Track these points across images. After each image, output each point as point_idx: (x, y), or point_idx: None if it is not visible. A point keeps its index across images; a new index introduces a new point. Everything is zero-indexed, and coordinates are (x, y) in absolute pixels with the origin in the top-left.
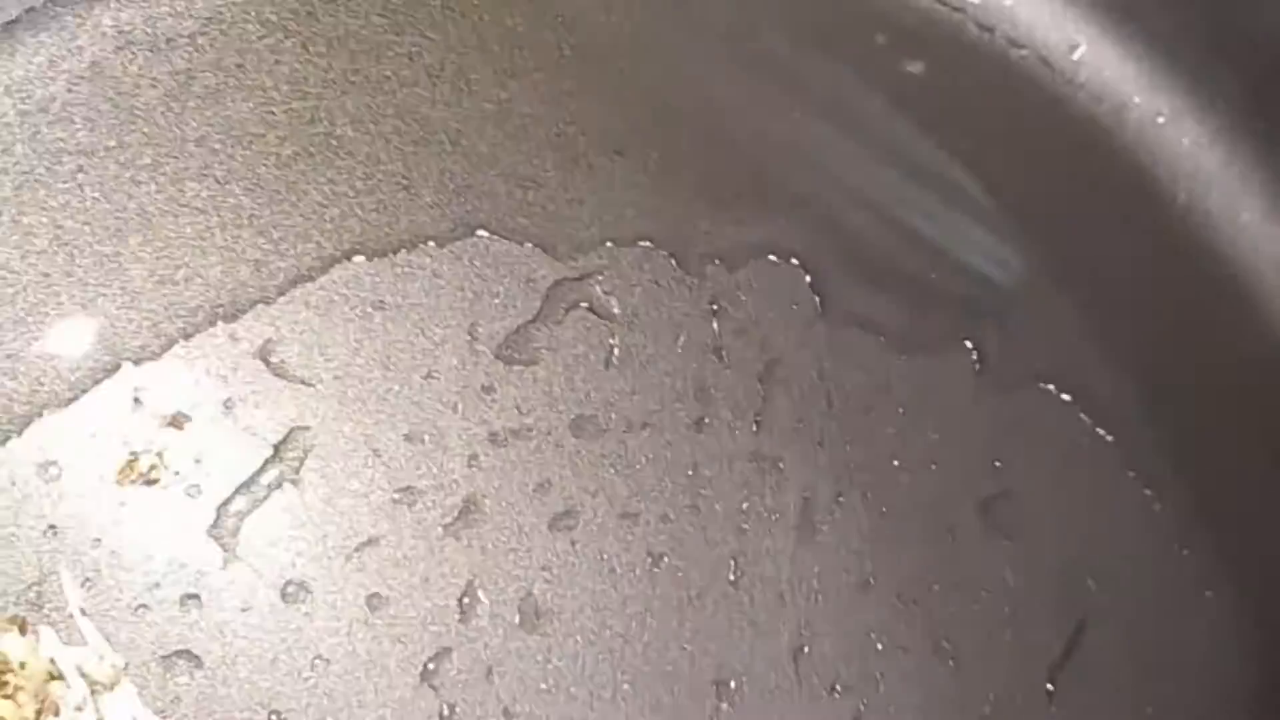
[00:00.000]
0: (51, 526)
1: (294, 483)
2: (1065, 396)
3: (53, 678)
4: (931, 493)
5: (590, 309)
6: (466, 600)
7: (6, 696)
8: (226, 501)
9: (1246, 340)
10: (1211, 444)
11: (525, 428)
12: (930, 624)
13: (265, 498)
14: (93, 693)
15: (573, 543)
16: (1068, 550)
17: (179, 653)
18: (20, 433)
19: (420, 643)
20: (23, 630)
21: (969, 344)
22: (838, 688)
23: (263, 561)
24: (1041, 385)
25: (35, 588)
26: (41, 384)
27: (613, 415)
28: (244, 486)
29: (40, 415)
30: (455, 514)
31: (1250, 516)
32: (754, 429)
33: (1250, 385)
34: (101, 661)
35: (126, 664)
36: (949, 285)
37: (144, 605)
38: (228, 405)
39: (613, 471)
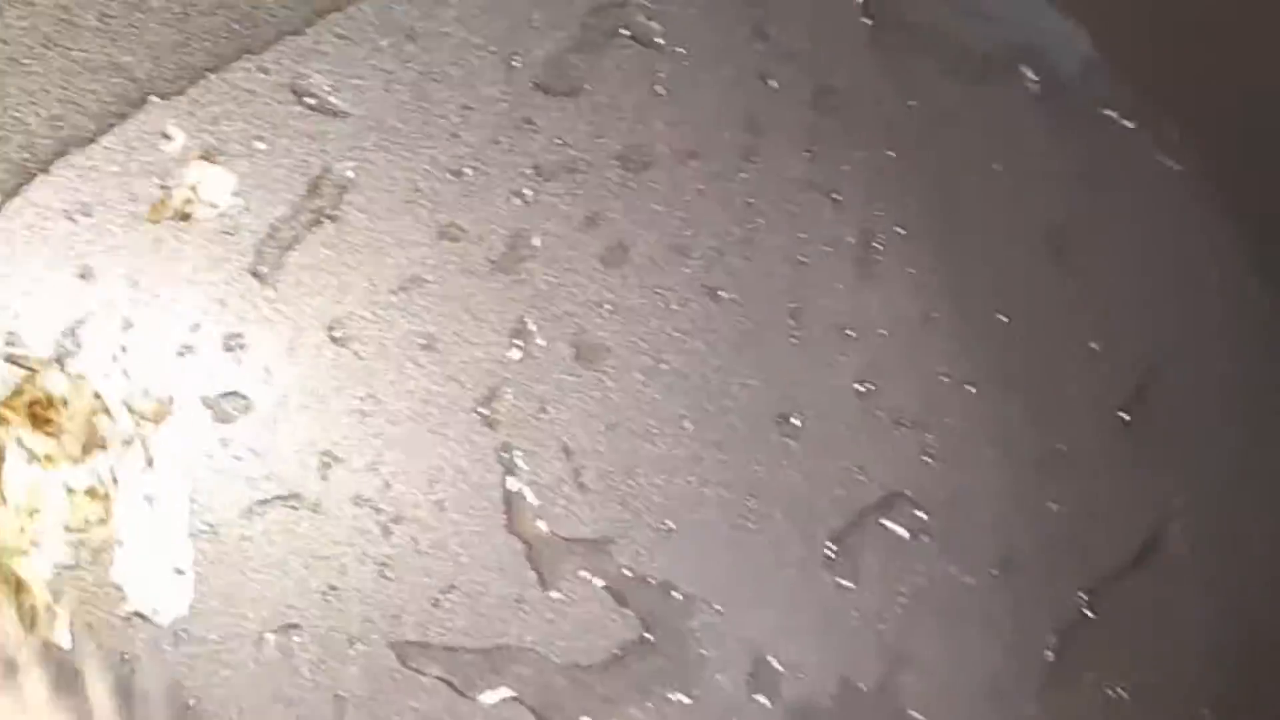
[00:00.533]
0: (85, 269)
1: (333, 219)
2: (1129, 124)
3: (98, 413)
4: (995, 224)
5: (632, 36)
6: (519, 337)
7: (51, 435)
8: (265, 238)
9: None
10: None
11: (570, 160)
12: (996, 358)
13: (304, 235)
14: (138, 426)
15: (624, 277)
16: (1139, 282)
17: (226, 394)
18: (46, 171)
19: (474, 380)
20: (63, 367)
21: (1029, 71)
22: (904, 422)
23: (307, 300)
24: (1106, 112)
25: (73, 331)
26: (63, 120)
27: (660, 146)
28: (282, 223)
29: (65, 153)
30: (503, 250)
31: None
32: (808, 158)
33: None
34: (147, 395)
35: (172, 398)
36: (1005, 10)
37: (187, 346)
38: (260, 139)
39: (663, 205)
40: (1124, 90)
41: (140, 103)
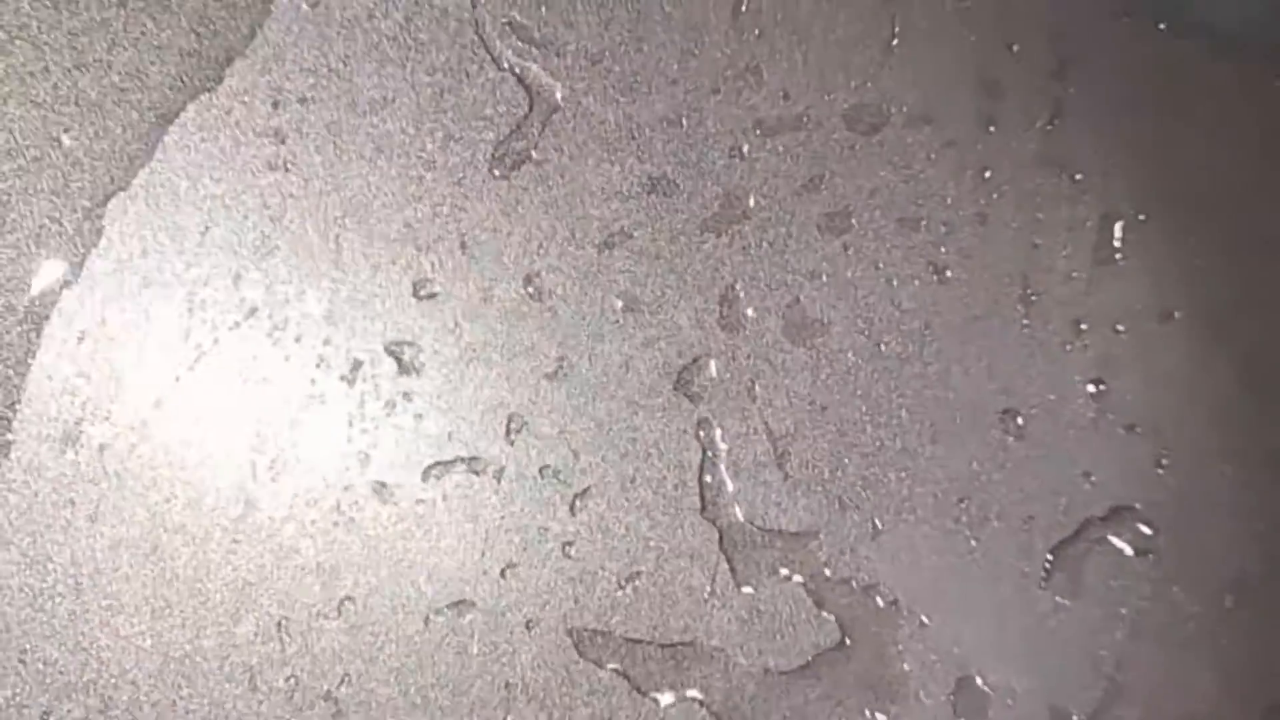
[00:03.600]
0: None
1: (537, 164)
2: None
3: None
4: (1243, 215)
5: None
6: (726, 305)
7: None
8: (459, 180)
9: None
10: None
11: (794, 116)
12: (1238, 358)
13: (506, 178)
14: None
15: (845, 247)
16: None
17: (407, 343)
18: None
19: (675, 348)
20: None
21: None
22: (1137, 427)
23: (501, 249)
24: None
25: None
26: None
27: (891, 107)
28: (482, 164)
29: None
30: (716, 208)
31: None
32: (1048, 131)
33: None
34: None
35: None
36: None
37: (369, 292)
38: (461, 68)
39: (890, 170)
40: None
41: None
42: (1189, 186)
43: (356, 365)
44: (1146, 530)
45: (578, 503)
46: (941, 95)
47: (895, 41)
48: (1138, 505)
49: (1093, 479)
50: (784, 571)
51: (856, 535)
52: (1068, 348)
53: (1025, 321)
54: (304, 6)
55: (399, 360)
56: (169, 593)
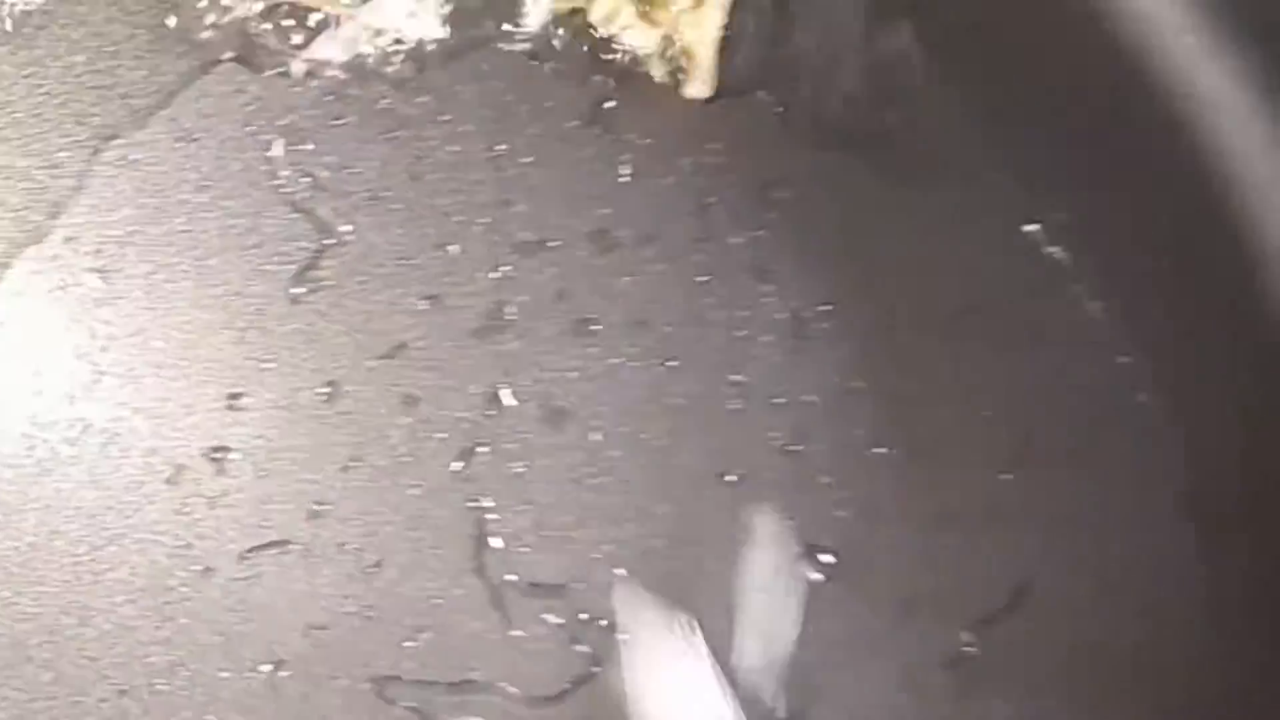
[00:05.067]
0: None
1: (328, 288)
2: (1030, 228)
3: None
4: (907, 307)
5: (604, 130)
6: (493, 400)
7: None
8: (262, 306)
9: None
10: (1143, 260)
11: (545, 239)
12: (904, 424)
13: (300, 300)
14: None
15: (590, 348)
16: (1022, 359)
17: (223, 448)
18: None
19: (451, 440)
20: None
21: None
22: (824, 481)
23: (302, 363)
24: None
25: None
26: None
27: (624, 229)
28: (283, 286)
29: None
30: (482, 319)
31: (1182, 327)
32: (753, 242)
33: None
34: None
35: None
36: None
37: (186, 405)
38: (266, 216)
39: (626, 281)
40: (1025, 198)
41: None
42: (869, 281)
43: (179, 469)
44: (832, 561)
45: (373, 572)
46: (663, 216)
47: (626, 173)
48: (825, 542)
49: (789, 523)
50: (546, 616)
51: (603, 583)
52: (768, 419)
53: (735, 399)
54: (123, 163)
55: (216, 462)
56: (19, 679)
